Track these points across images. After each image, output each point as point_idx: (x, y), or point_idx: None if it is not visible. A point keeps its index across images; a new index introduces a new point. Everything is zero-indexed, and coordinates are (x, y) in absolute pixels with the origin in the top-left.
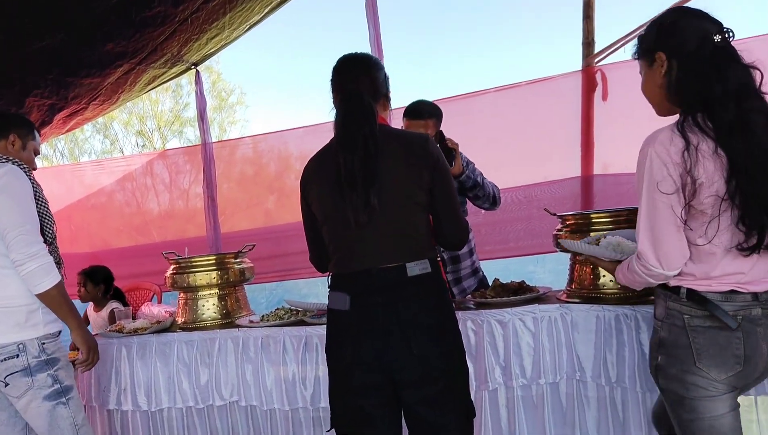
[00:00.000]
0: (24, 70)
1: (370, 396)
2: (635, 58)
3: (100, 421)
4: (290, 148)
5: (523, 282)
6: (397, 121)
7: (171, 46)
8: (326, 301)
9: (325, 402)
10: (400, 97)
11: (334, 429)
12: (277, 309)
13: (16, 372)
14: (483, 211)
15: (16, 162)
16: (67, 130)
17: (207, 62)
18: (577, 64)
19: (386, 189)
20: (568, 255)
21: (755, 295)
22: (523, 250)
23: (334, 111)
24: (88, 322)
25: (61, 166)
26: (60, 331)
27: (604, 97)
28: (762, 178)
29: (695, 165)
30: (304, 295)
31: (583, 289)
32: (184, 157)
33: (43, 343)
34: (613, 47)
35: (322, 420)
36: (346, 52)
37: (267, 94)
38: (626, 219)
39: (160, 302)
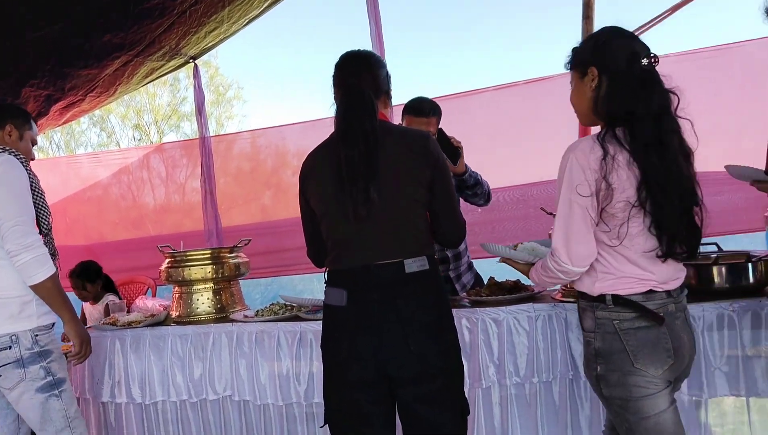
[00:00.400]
0: (20, 60)
1: (365, 392)
2: (568, 69)
3: (94, 414)
4: (288, 144)
5: (518, 281)
6: (396, 118)
7: (169, 39)
8: (321, 297)
9: (318, 398)
10: (399, 92)
11: (327, 425)
12: (272, 304)
13: (9, 363)
14: (479, 209)
15: (13, 152)
16: (64, 122)
17: (205, 57)
18: None
19: (386, 184)
20: None
21: (669, 293)
22: None
23: (335, 106)
24: (84, 318)
25: (57, 158)
26: (53, 324)
27: None
28: (673, 191)
29: (610, 172)
30: (300, 291)
31: None
32: (180, 151)
33: (36, 335)
34: None
35: (316, 415)
36: (348, 49)
37: (265, 89)
38: None
39: (154, 296)
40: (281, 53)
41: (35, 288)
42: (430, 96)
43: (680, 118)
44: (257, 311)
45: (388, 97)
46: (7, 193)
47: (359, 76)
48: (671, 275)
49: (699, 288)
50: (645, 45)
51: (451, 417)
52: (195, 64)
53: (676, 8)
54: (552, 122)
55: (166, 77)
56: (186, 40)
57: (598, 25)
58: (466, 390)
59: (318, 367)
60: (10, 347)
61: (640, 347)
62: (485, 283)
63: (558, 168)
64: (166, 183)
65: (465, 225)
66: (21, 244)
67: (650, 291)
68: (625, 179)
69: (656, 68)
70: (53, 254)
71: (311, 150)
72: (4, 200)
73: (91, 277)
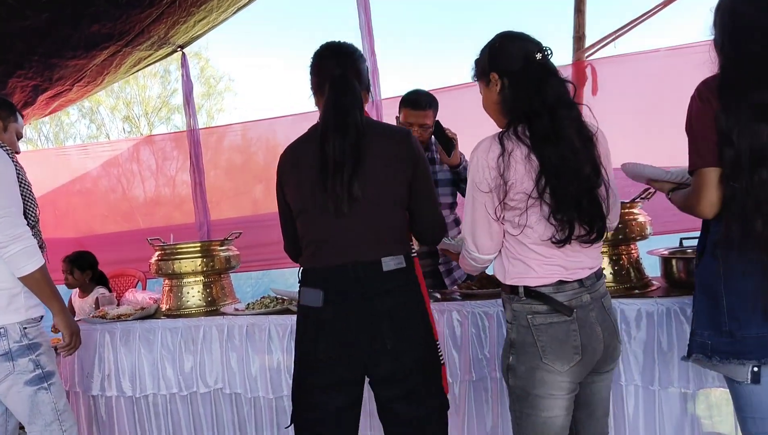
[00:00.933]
0: (7, 50)
1: (338, 394)
2: (474, 81)
3: (84, 407)
4: (278, 137)
5: None
6: (392, 111)
7: (158, 29)
8: None
9: None
10: (389, 85)
11: (293, 425)
12: (263, 297)
13: None
14: None
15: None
16: (51, 112)
17: (196, 49)
18: (568, 57)
19: (369, 181)
20: None
21: (581, 282)
22: None
23: (315, 96)
24: (73, 309)
25: (45, 149)
26: (42, 316)
27: (594, 91)
28: (571, 178)
29: (507, 168)
30: (291, 285)
31: None
32: (171, 144)
33: (25, 328)
34: (603, 41)
35: None
36: (329, 41)
37: (256, 82)
38: None
39: (144, 289)
40: (272, 46)
41: (24, 279)
42: (419, 88)
43: (579, 104)
44: (248, 304)
45: (368, 92)
46: None
47: (346, 68)
48: (580, 263)
49: (687, 281)
50: (537, 41)
51: (430, 413)
52: (183, 53)
53: (668, 2)
54: None
55: (156, 69)
56: (175, 29)
57: (589, 19)
58: (456, 383)
59: None
60: None
61: (549, 343)
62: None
63: None
64: (156, 175)
65: (444, 224)
66: (10, 235)
67: (560, 282)
68: (523, 173)
69: (551, 61)
70: (41, 246)
71: (291, 143)
72: None
73: (81, 266)
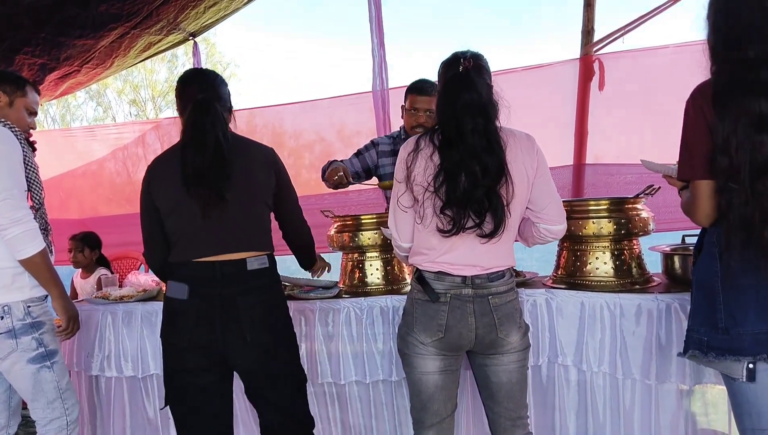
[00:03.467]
0: (14, 27)
1: (203, 377)
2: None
3: (84, 387)
4: (285, 125)
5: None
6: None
7: (167, 12)
8: (312, 278)
9: (313, 375)
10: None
11: (168, 406)
12: None
13: (1, 334)
14: None
15: (8, 124)
16: (61, 94)
17: (204, 34)
18: (576, 52)
19: (237, 187)
20: (556, 242)
21: (463, 278)
22: None
23: (181, 116)
24: (74, 293)
25: (52, 130)
26: (47, 296)
27: (601, 86)
28: (466, 178)
29: (413, 163)
30: (293, 271)
31: (570, 276)
32: (177, 128)
33: (29, 307)
34: (612, 36)
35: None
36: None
37: (262, 68)
38: (610, 208)
39: (147, 271)
40: (279, 34)
41: (23, 263)
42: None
43: (503, 106)
44: None
45: (231, 112)
46: None
47: (207, 91)
48: (468, 260)
49: (688, 278)
50: (466, 57)
51: (290, 392)
52: (195, 41)
53: None
54: (549, 110)
55: (163, 54)
56: (185, 14)
57: (598, 13)
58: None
59: (307, 345)
60: (2, 317)
61: (420, 317)
62: None
63: (551, 156)
64: None
65: (308, 228)
66: (11, 217)
67: (441, 272)
68: (423, 168)
69: (471, 73)
70: (45, 229)
71: (158, 155)
72: None
73: (91, 245)
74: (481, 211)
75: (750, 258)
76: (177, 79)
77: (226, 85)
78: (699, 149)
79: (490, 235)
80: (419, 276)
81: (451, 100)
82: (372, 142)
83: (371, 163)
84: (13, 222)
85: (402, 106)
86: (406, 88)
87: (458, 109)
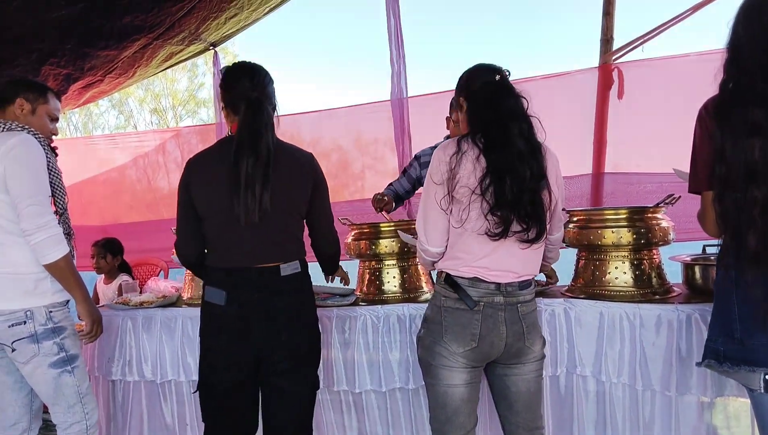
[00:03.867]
0: (41, 38)
1: (239, 372)
2: (456, 107)
3: (103, 392)
4: (302, 133)
5: None
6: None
7: (189, 23)
8: (330, 285)
9: (327, 382)
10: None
11: (198, 393)
12: None
13: (23, 338)
14: None
15: (32, 131)
16: (84, 102)
17: (223, 43)
18: (595, 60)
19: (277, 195)
20: (575, 251)
21: (498, 285)
22: None
23: (230, 112)
24: (96, 298)
25: (74, 138)
26: (68, 301)
27: (620, 95)
28: (513, 180)
29: (458, 165)
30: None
31: (588, 285)
32: (197, 137)
33: (51, 311)
34: (631, 45)
35: (321, 401)
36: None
37: (282, 77)
38: (629, 218)
39: (167, 278)
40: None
41: (48, 267)
42: (445, 89)
43: (532, 116)
44: None
45: (275, 111)
46: (24, 172)
47: (260, 90)
48: (507, 267)
49: (709, 289)
50: (498, 68)
51: (306, 390)
52: (215, 51)
53: (698, 7)
54: (567, 118)
55: (184, 63)
56: (206, 25)
57: (617, 22)
58: None
59: (326, 353)
60: (25, 322)
61: (452, 325)
62: None
63: (570, 164)
64: (181, 167)
65: (337, 237)
66: (36, 223)
67: (476, 278)
68: (470, 171)
69: (508, 80)
70: (68, 234)
71: (199, 152)
72: (21, 179)
73: (113, 251)
74: (527, 215)
75: (761, 268)
76: (224, 69)
77: (273, 82)
78: (703, 161)
79: (533, 241)
80: (452, 282)
81: (493, 105)
82: (415, 156)
83: (415, 176)
84: (39, 227)
85: (447, 118)
86: (425, 95)
87: (504, 114)
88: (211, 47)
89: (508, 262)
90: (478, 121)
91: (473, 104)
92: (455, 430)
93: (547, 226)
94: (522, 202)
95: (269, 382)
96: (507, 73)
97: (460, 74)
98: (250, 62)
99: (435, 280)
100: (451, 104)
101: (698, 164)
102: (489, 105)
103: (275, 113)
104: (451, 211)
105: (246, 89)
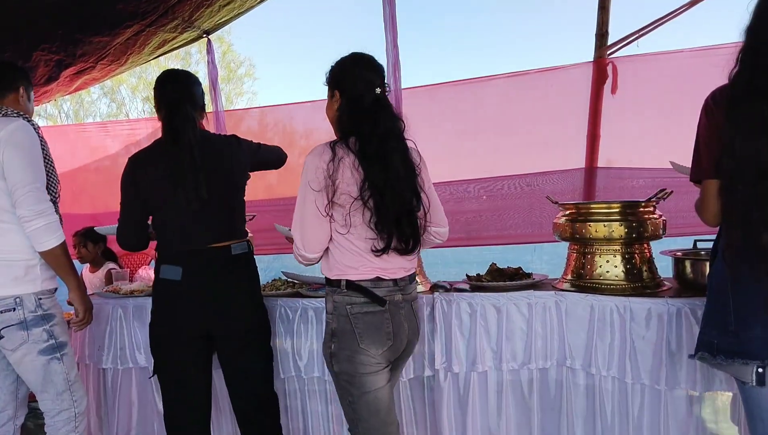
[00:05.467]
0: (32, 24)
1: (189, 348)
2: (325, 84)
3: (92, 380)
4: (295, 124)
5: (519, 268)
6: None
7: (182, 10)
8: (320, 276)
9: (318, 372)
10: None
11: (156, 375)
12: (274, 280)
13: (12, 325)
14: (484, 196)
15: (26, 118)
16: (75, 89)
17: (218, 32)
18: (589, 55)
19: (213, 182)
20: (566, 245)
21: (395, 281)
22: (522, 238)
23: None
24: (83, 284)
25: (65, 126)
26: (56, 288)
27: (614, 90)
28: (392, 197)
29: (336, 171)
30: (302, 270)
31: (579, 279)
32: None
33: (40, 299)
34: (626, 40)
35: (317, 392)
36: (170, 69)
37: (276, 68)
38: (621, 212)
39: None
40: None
41: (44, 254)
42: (439, 81)
43: (407, 139)
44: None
45: (203, 110)
46: (22, 159)
47: (180, 93)
48: (397, 265)
49: (699, 283)
50: (381, 75)
51: (260, 363)
52: (208, 39)
53: (693, 2)
54: (561, 112)
55: (178, 51)
56: (199, 12)
57: (613, 16)
58: (462, 373)
59: (318, 344)
60: (14, 309)
61: (365, 330)
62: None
63: (563, 159)
64: None
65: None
66: (34, 210)
67: (378, 278)
68: (349, 177)
69: (388, 96)
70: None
71: (140, 150)
72: (19, 165)
73: (94, 239)
74: (406, 235)
75: (759, 262)
76: (156, 79)
77: (199, 84)
78: (708, 150)
79: (410, 251)
80: (356, 287)
81: (373, 120)
82: None
83: None
84: (37, 214)
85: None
86: (419, 87)
87: (381, 130)
88: (204, 35)
89: (397, 261)
90: (355, 129)
91: (350, 108)
92: (392, 427)
93: (424, 232)
94: (401, 224)
95: (228, 362)
96: (388, 88)
97: (340, 60)
98: (175, 69)
99: (331, 292)
100: (329, 83)
101: (701, 153)
102: (368, 118)
103: (202, 111)
104: (333, 217)
105: (167, 92)
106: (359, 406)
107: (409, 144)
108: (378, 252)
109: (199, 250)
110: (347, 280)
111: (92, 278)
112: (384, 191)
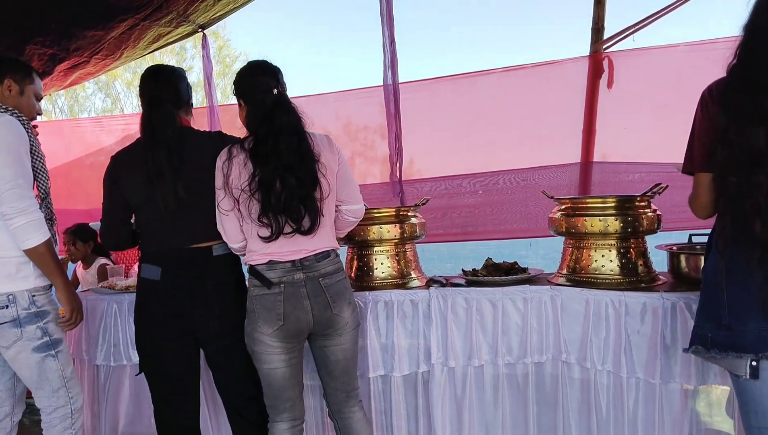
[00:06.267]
0: (25, 17)
1: (174, 346)
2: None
3: (87, 376)
4: None
5: (515, 263)
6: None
7: (177, 4)
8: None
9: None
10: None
11: (143, 372)
12: None
13: (5, 323)
14: (480, 190)
15: (15, 113)
16: (69, 84)
17: (214, 27)
18: (585, 49)
19: (193, 181)
20: (562, 240)
21: (293, 262)
22: (517, 232)
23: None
24: (77, 283)
25: (60, 121)
26: (51, 285)
27: (609, 84)
28: (282, 189)
29: (228, 169)
30: None
31: (575, 273)
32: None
33: (34, 296)
34: (622, 34)
35: (306, 386)
36: (157, 63)
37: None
38: (617, 206)
39: None
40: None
41: (28, 252)
42: (436, 73)
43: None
44: None
45: (190, 105)
46: (5, 156)
47: (160, 89)
48: (297, 247)
49: (694, 277)
50: (276, 77)
51: (240, 360)
52: (204, 33)
53: None
54: (557, 107)
55: (173, 46)
56: (194, 6)
57: (609, 10)
58: (458, 368)
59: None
60: (7, 307)
61: (261, 310)
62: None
63: (558, 153)
64: None
65: None
66: (17, 207)
67: (271, 262)
68: (239, 173)
69: (285, 95)
70: (51, 219)
71: (123, 148)
72: (2, 163)
73: (83, 237)
74: (297, 217)
75: (752, 255)
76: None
77: (184, 80)
78: (701, 143)
79: (308, 232)
80: (253, 271)
81: (267, 121)
82: None
83: None
84: (19, 212)
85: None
86: (416, 82)
87: (276, 129)
88: (199, 29)
89: (296, 242)
90: (255, 130)
91: (254, 112)
92: (284, 403)
93: (324, 213)
94: (291, 208)
95: (215, 361)
96: (284, 88)
97: (237, 73)
98: (159, 65)
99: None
100: (236, 94)
101: (695, 146)
102: (263, 120)
103: (188, 107)
104: (238, 210)
105: (147, 90)
106: (260, 374)
107: (316, 133)
108: (266, 239)
109: (178, 250)
110: (250, 265)
111: (85, 275)
112: (271, 184)
